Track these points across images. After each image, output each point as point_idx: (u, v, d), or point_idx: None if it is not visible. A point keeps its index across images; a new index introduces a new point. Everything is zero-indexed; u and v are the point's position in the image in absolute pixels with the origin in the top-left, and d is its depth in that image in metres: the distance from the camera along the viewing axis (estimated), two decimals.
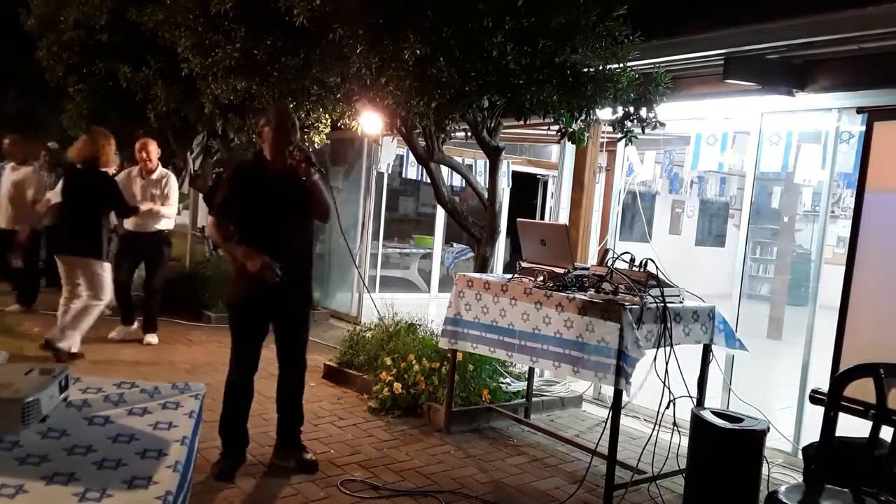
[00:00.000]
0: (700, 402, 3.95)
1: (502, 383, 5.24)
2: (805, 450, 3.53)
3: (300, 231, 3.75)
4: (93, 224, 5.67)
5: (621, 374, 3.44)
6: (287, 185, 3.64)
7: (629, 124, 4.65)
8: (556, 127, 4.63)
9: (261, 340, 3.75)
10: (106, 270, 5.75)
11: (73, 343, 5.60)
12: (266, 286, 3.55)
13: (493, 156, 5.26)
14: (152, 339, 6.45)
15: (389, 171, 9.21)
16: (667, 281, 3.83)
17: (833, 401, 2.87)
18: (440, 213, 10.54)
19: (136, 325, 6.54)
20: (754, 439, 3.36)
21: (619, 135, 4.76)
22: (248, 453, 3.99)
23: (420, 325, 5.77)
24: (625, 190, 6.20)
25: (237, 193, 3.65)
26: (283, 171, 3.64)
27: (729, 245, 13.20)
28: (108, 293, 5.80)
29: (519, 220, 4.64)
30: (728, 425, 3.38)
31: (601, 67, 4.32)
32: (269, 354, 3.80)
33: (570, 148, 5.98)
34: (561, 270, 4.07)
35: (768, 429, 3.46)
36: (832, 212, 7.08)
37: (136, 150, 6.38)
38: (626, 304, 3.54)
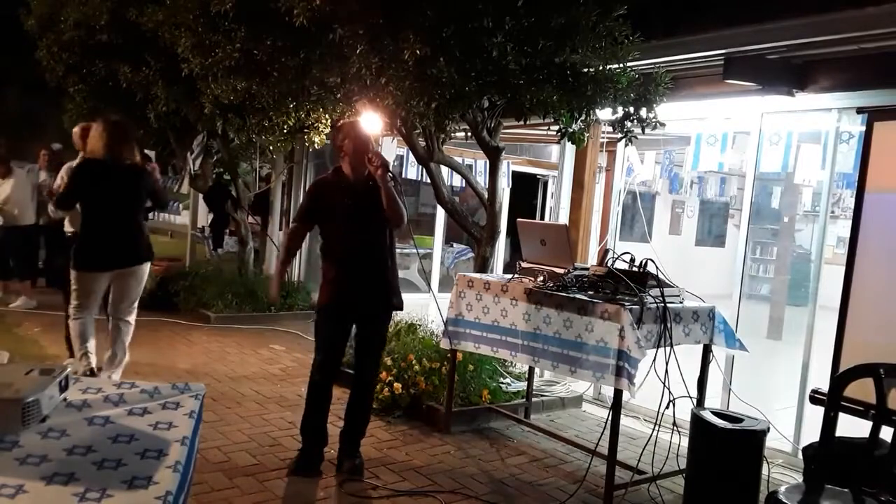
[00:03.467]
0: (700, 402, 3.94)
1: (502, 383, 5.24)
2: (805, 450, 3.53)
3: (378, 238, 3.82)
4: (141, 225, 4.95)
5: (621, 373, 3.44)
6: (365, 195, 3.73)
7: (629, 124, 4.65)
8: (556, 127, 4.63)
9: (341, 343, 3.87)
10: None
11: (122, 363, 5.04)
12: (348, 292, 3.76)
13: (493, 156, 5.26)
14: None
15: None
16: (667, 281, 3.83)
17: (833, 401, 2.87)
18: (440, 213, 10.52)
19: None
20: (754, 439, 3.36)
21: (619, 135, 4.76)
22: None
23: (420, 326, 5.77)
24: (625, 190, 6.21)
25: (315, 206, 3.88)
26: (362, 182, 3.76)
27: (729, 245, 13.17)
28: None
29: (519, 220, 4.63)
30: (728, 425, 3.38)
31: (601, 67, 4.32)
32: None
33: (570, 148, 5.97)
34: (561, 270, 4.07)
35: (768, 429, 3.46)
36: (832, 212, 7.05)
37: (77, 134, 5.36)
38: (626, 304, 3.54)
